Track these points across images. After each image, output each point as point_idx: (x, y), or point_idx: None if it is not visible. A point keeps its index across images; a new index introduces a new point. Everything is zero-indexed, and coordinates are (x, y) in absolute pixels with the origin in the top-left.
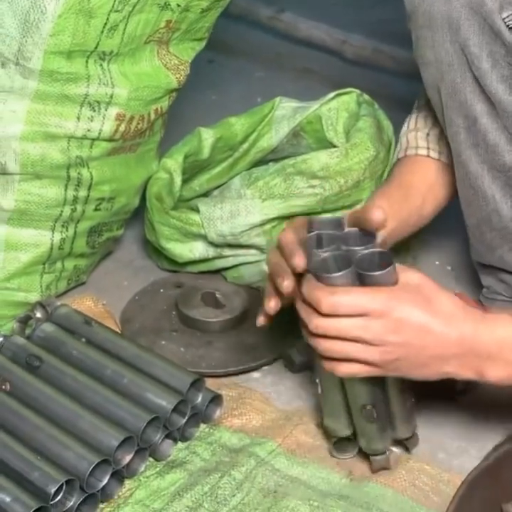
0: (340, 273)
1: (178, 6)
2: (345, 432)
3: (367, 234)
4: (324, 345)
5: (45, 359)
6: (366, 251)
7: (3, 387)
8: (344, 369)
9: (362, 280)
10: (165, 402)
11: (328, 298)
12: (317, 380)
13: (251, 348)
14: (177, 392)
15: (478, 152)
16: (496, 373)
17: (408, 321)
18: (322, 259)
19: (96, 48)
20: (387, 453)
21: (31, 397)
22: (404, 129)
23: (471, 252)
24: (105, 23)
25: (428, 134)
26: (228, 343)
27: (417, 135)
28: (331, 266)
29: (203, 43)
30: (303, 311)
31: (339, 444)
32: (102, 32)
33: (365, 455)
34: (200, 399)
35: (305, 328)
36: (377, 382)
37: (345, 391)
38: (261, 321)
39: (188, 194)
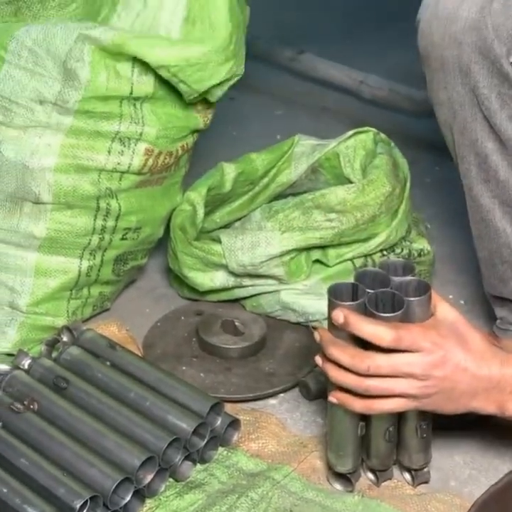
0: (392, 314)
1: None
2: (346, 467)
3: (406, 264)
4: (372, 385)
5: (72, 381)
6: (405, 278)
7: (32, 406)
8: (384, 406)
9: (399, 305)
10: (185, 424)
11: (393, 332)
12: (327, 416)
13: (268, 375)
14: (197, 415)
15: (489, 187)
16: None
17: (450, 357)
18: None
19: (130, 93)
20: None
21: (58, 416)
22: None
23: (484, 284)
24: (132, 70)
25: None
26: (246, 370)
27: None
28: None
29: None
30: (346, 357)
31: (338, 476)
32: (131, 77)
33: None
34: (219, 422)
35: (339, 376)
36: None
37: (357, 422)
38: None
39: (209, 226)
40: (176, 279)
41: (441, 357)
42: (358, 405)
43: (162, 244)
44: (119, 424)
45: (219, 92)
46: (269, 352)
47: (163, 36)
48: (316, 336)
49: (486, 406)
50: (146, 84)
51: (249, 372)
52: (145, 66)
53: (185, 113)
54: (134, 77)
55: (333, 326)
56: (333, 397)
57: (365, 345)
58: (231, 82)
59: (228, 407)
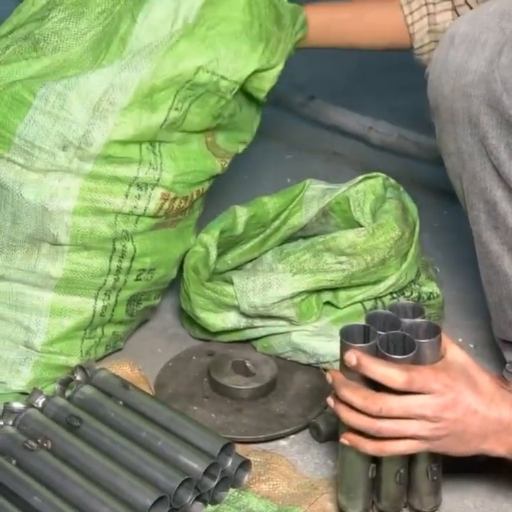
0: (403, 356)
1: (230, 115)
2: (357, 509)
3: (415, 307)
4: (384, 426)
5: (85, 420)
6: (415, 321)
7: (45, 445)
8: (396, 447)
9: (411, 347)
10: (197, 464)
11: (405, 374)
12: (338, 458)
13: (279, 416)
14: (208, 455)
15: (498, 234)
16: None
17: (461, 400)
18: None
19: (154, 138)
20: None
21: (71, 455)
22: None
23: (493, 328)
24: (165, 120)
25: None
26: (257, 411)
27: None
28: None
29: (249, 139)
30: (358, 398)
31: None
32: (162, 126)
33: None
34: (230, 463)
35: (350, 418)
36: None
37: (368, 464)
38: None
39: (221, 267)
40: (188, 319)
41: (452, 399)
42: (370, 447)
43: (175, 285)
44: (131, 463)
45: (263, 85)
46: (280, 393)
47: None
48: (328, 377)
49: (496, 448)
50: (170, 132)
51: (260, 413)
52: (179, 114)
53: (205, 158)
54: (164, 127)
55: (345, 368)
56: (345, 439)
57: (376, 386)
58: (272, 75)
59: (239, 448)
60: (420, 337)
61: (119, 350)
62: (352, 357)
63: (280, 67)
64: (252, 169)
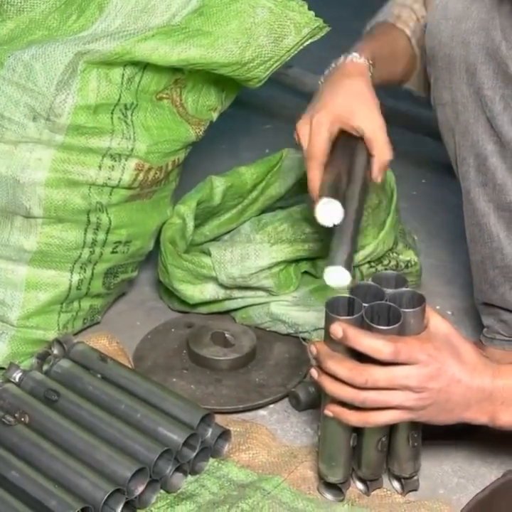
0: (389, 327)
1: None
2: (337, 477)
3: (398, 277)
4: (369, 397)
5: (62, 393)
6: (399, 290)
7: (23, 419)
8: (380, 418)
9: (396, 318)
10: (176, 435)
11: (391, 345)
12: (319, 425)
13: (258, 386)
14: (188, 426)
15: (486, 191)
16: (507, 418)
17: (445, 369)
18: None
19: (118, 101)
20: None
21: (49, 429)
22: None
23: (474, 290)
24: (122, 75)
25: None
26: (236, 381)
27: (410, 10)
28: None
29: (219, 104)
30: (343, 370)
31: (329, 486)
32: (121, 84)
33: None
34: (209, 434)
35: (335, 389)
36: None
37: (349, 433)
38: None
39: (199, 239)
40: (166, 291)
41: (436, 369)
42: (354, 418)
43: (152, 258)
44: (110, 436)
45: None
46: (259, 363)
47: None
48: (313, 349)
49: (478, 417)
50: (130, 90)
51: (240, 383)
52: (134, 70)
53: (178, 125)
54: (124, 84)
55: (329, 340)
56: (329, 411)
57: (360, 358)
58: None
59: (218, 419)
60: (404, 307)
61: (97, 323)
62: (338, 329)
63: (263, 77)
64: (229, 139)
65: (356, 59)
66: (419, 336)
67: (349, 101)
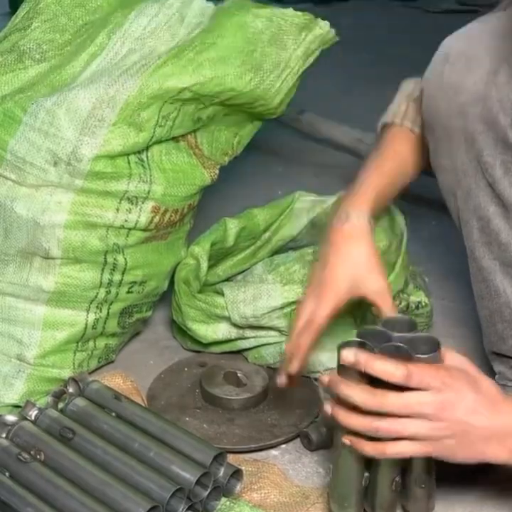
0: (429, 355)
1: (208, 117)
2: None
3: (409, 321)
4: (382, 425)
5: (78, 431)
6: (415, 335)
7: (38, 456)
8: (395, 449)
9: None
10: (189, 474)
11: (403, 367)
12: (331, 465)
13: (270, 425)
14: (200, 465)
15: (490, 249)
16: None
17: (462, 399)
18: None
19: (139, 152)
20: None
21: (64, 466)
22: (405, 89)
23: (484, 341)
24: (152, 137)
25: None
26: (249, 421)
27: (416, 102)
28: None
29: (231, 153)
30: (357, 393)
31: None
32: (148, 143)
33: None
34: (221, 473)
35: (348, 419)
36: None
37: (362, 473)
38: (282, 381)
39: (212, 279)
40: (180, 331)
41: (451, 398)
42: (369, 448)
43: (166, 297)
44: (123, 473)
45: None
46: (271, 403)
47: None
48: (324, 379)
49: (498, 453)
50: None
51: (252, 423)
52: (166, 119)
53: (194, 169)
54: (156, 134)
55: (341, 371)
56: (346, 440)
57: (373, 387)
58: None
59: (231, 458)
60: (419, 351)
61: (112, 362)
62: (350, 354)
63: (281, 96)
64: (242, 182)
65: (357, 220)
66: (433, 365)
67: (353, 272)
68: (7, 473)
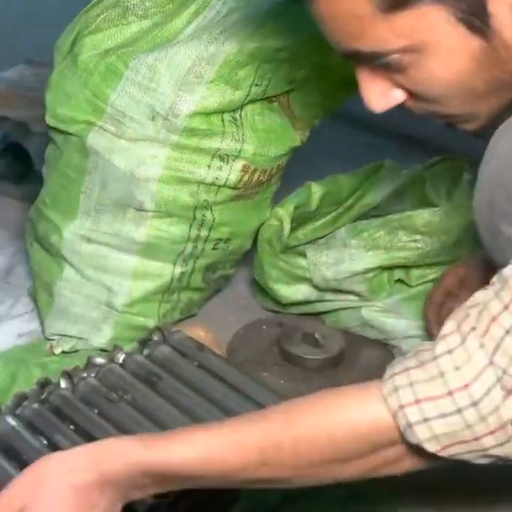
0: None
1: (302, 79)
2: None
3: None
4: None
5: (162, 377)
6: None
7: (125, 397)
8: None
9: None
10: None
11: None
12: None
13: None
14: None
15: None
16: None
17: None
18: None
19: (233, 111)
20: None
21: (149, 408)
22: None
23: None
24: (247, 95)
25: None
26: (325, 382)
27: None
28: None
29: (323, 115)
30: None
31: None
32: (243, 101)
33: None
34: None
35: None
36: None
37: None
38: None
39: (292, 242)
40: (260, 290)
41: None
42: None
43: (248, 257)
44: (206, 420)
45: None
46: (347, 367)
47: None
48: None
49: None
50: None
51: (327, 383)
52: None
53: (285, 130)
54: (251, 93)
55: None
56: None
57: None
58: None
59: None
60: None
61: (193, 316)
62: None
63: None
64: (330, 149)
65: None
66: None
67: None
68: (96, 411)
